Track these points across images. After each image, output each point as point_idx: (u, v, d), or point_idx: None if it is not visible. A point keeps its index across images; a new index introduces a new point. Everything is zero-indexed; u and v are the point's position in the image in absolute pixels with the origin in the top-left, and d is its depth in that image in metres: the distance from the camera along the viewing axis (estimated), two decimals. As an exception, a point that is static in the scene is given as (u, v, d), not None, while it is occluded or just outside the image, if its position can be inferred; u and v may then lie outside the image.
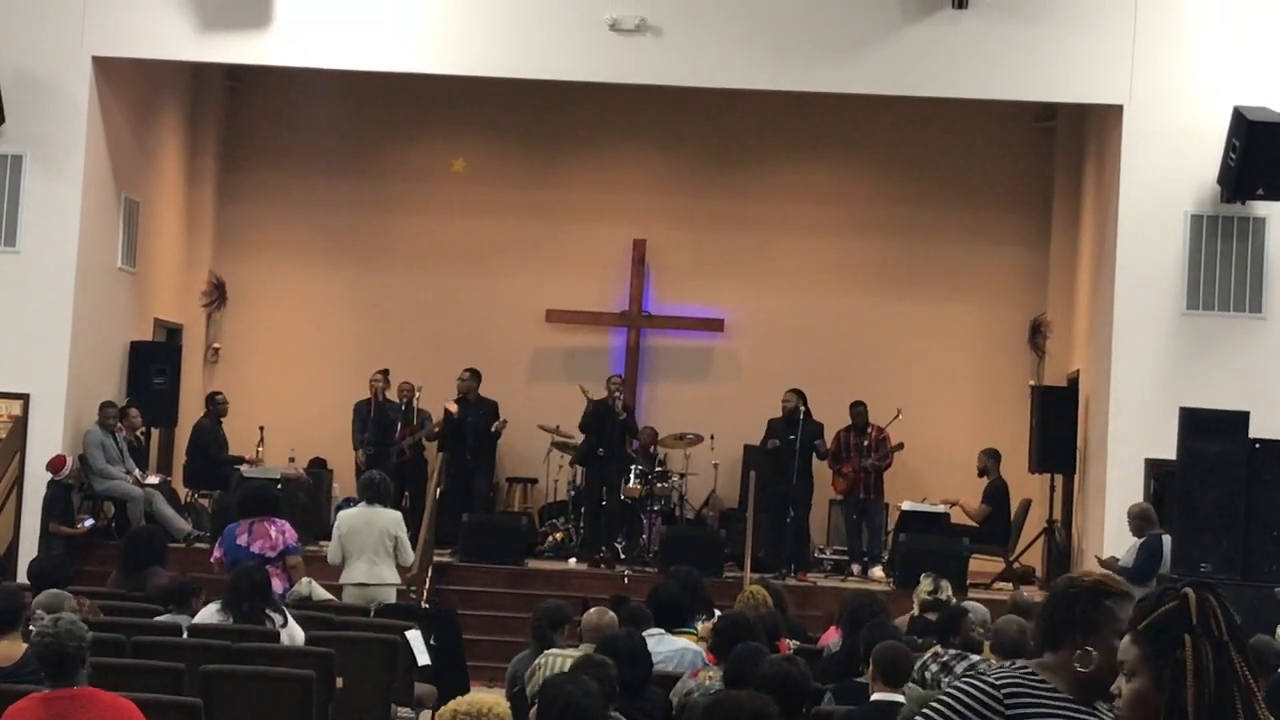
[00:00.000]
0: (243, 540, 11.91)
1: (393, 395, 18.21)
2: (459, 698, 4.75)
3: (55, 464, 15.82)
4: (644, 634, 9.38)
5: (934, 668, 9.08)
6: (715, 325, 19.48)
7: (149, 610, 10.62)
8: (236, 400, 18.36)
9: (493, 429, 18.03)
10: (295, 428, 18.71)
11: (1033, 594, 15.11)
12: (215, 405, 18.08)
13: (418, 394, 18.16)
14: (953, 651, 9.20)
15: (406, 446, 17.94)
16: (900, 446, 17.65)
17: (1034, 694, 4.06)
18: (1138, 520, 14.13)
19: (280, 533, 12.02)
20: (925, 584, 11.24)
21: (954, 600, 10.90)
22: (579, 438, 17.83)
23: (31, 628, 8.05)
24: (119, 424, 16.62)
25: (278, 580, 11.54)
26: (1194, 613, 3.56)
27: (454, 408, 17.93)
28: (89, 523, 16.00)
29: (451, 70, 16.78)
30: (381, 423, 17.81)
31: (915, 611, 11.31)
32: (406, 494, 17.24)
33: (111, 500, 16.49)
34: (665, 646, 9.41)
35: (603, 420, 17.33)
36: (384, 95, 19.60)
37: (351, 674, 10.05)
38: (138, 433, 17.29)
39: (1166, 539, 13.88)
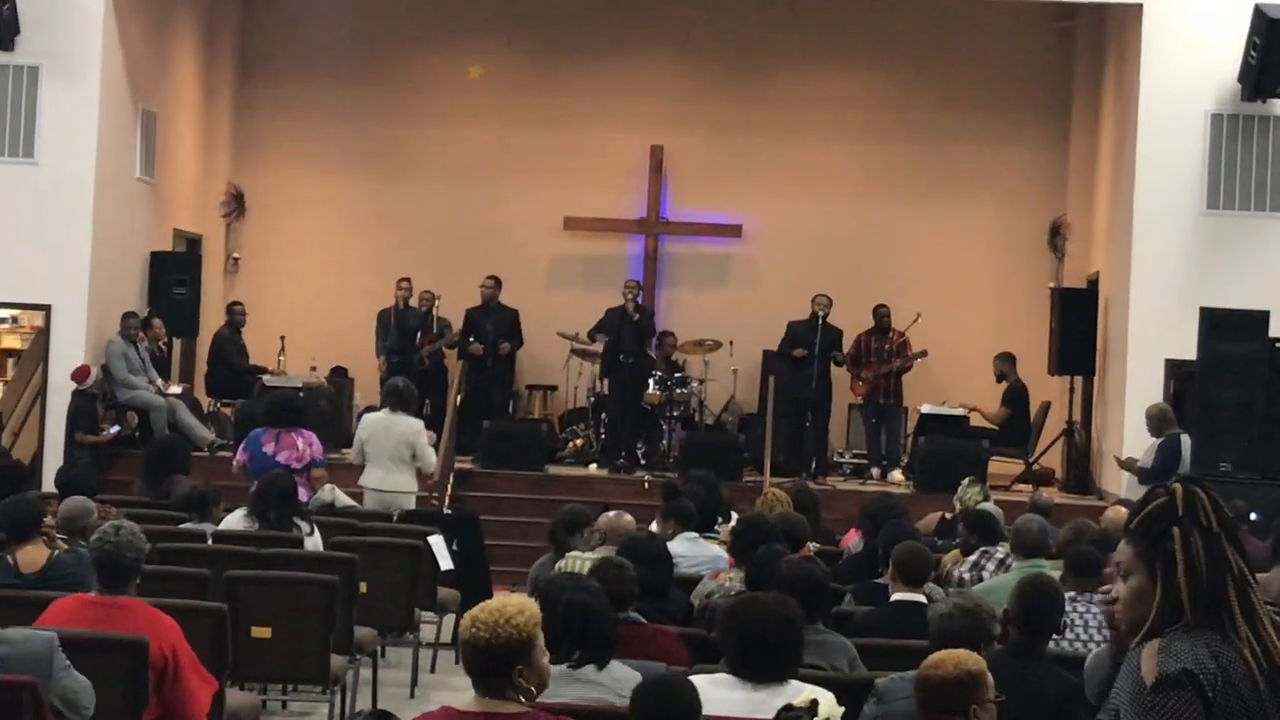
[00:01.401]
0: (269, 449, 11.98)
1: (414, 304, 18.22)
2: (482, 603, 4.72)
3: (79, 374, 15.89)
4: (679, 537, 9.46)
5: (990, 566, 9.17)
6: (733, 231, 19.44)
7: (173, 518, 10.69)
8: (257, 310, 18.41)
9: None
10: (316, 337, 18.76)
11: (1052, 495, 15.18)
12: (234, 315, 18.15)
13: (437, 302, 18.19)
14: (1003, 551, 9.29)
15: (426, 355, 17.96)
16: (924, 354, 17.63)
17: None
18: (1156, 420, 14.15)
19: (308, 445, 12.08)
20: (974, 492, 11.25)
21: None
22: (594, 343, 17.86)
23: (54, 535, 8.15)
24: (141, 334, 16.68)
25: (303, 490, 11.63)
26: (1180, 505, 3.61)
27: (478, 348, 17.93)
28: (114, 429, 16.09)
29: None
30: (403, 330, 17.84)
31: (955, 513, 11.34)
32: (427, 402, 17.28)
33: (135, 410, 16.55)
34: (699, 551, 9.45)
35: (621, 324, 17.34)
36: (399, 4, 19.52)
37: (375, 579, 10.15)
38: (160, 343, 17.35)
39: (1185, 439, 13.90)
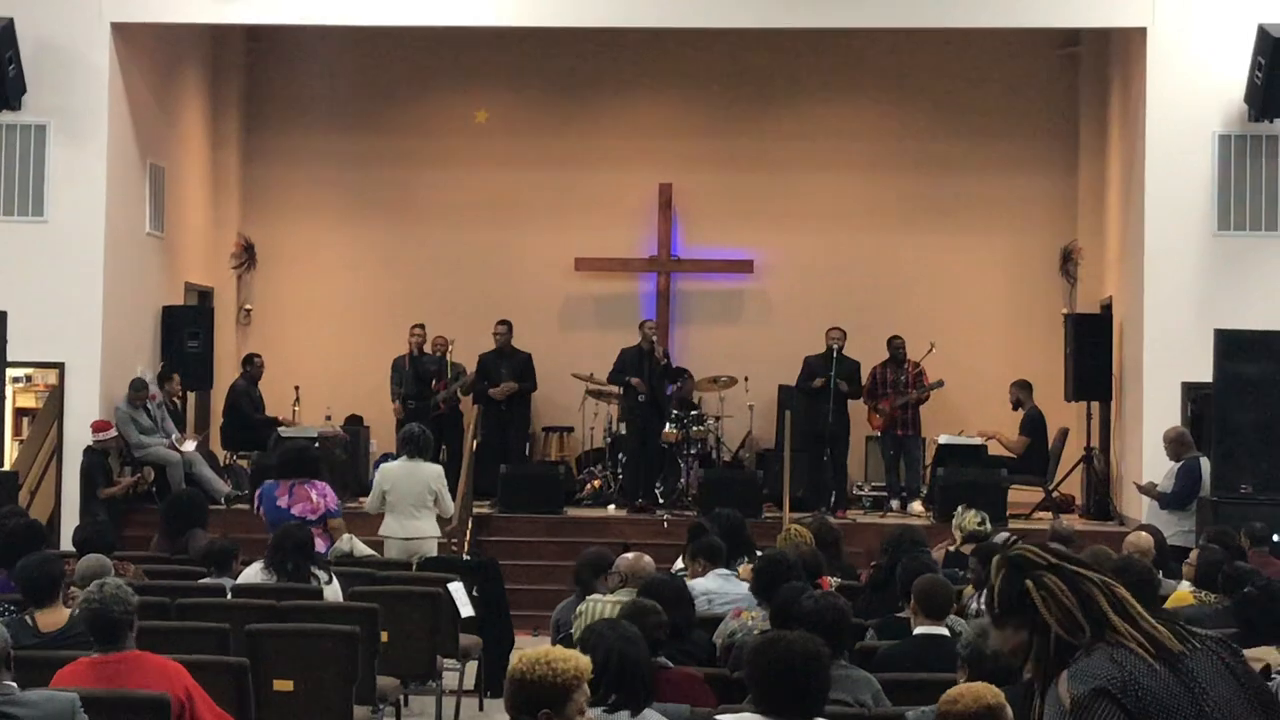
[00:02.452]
0: (283, 502, 11.94)
1: (428, 349, 18.19)
2: (536, 649, 4.79)
3: (100, 426, 15.90)
4: (712, 573, 9.41)
5: None
6: (745, 266, 19.43)
7: (192, 573, 10.66)
8: (270, 361, 18.40)
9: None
10: (330, 386, 18.77)
11: (1072, 522, 15.12)
12: (252, 367, 18.15)
13: (451, 347, 18.18)
14: None
15: (441, 400, 17.94)
16: (940, 384, 17.60)
17: None
18: (1174, 444, 14.08)
19: (321, 496, 12.03)
20: (971, 516, 11.19)
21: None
22: (612, 385, 17.82)
23: (74, 593, 8.12)
24: (154, 393, 16.67)
25: (319, 541, 11.60)
26: (1013, 570, 3.99)
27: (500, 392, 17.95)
28: (134, 476, 16.14)
29: (469, 22, 16.72)
30: (419, 376, 17.82)
31: (957, 544, 11.30)
32: (444, 447, 17.27)
33: (150, 465, 16.55)
34: (732, 588, 9.37)
35: (639, 366, 17.30)
36: (404, 50, 19.58)
37: (396, 628, 10.11)
38: (174, 397, 17.37)
39: (1204, 461, 13.84)
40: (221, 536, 11.64)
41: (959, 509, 11.48)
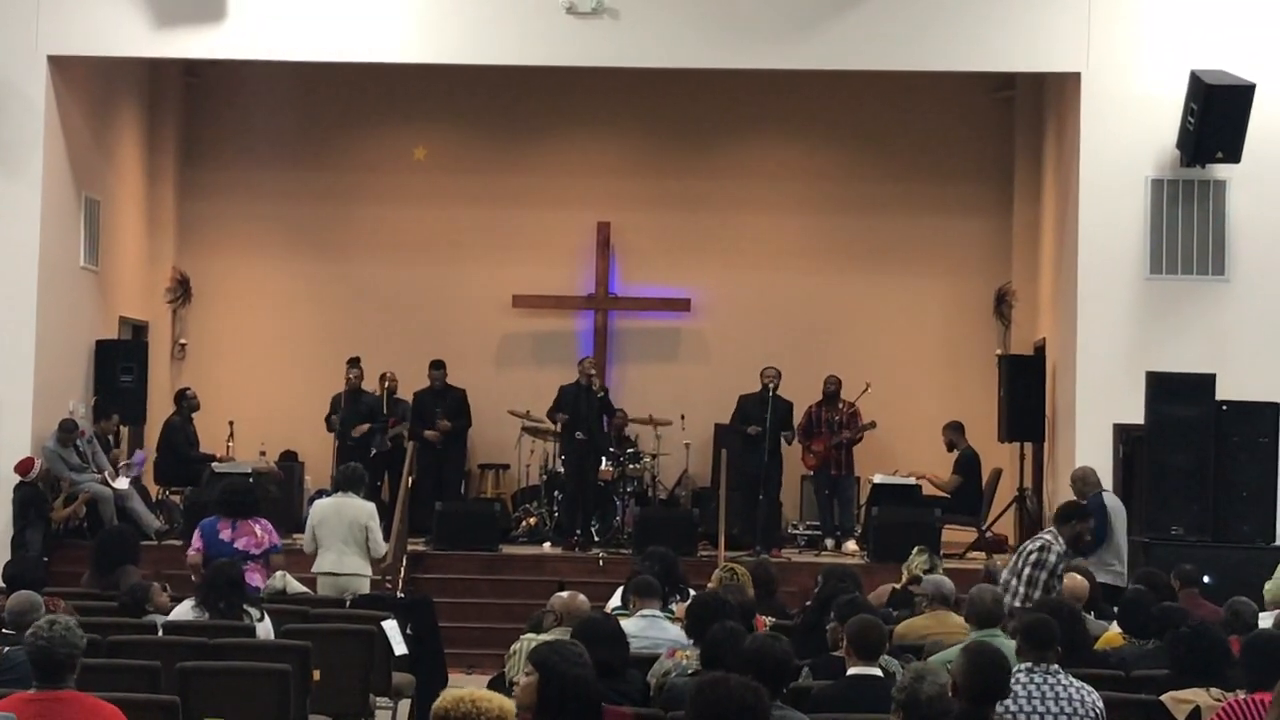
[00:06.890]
0: (225, 535, 11.82)
1: (372, 385, 18.09)
2: (460, 690, 4.77)
3: (23, 466, 15.78)
4: (639, 614, 9.37)
5: None
6: (682, 305, 19.48)
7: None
8: (204, 395, 18.29)
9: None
10: (265, 421, 18.68)
11: (1005, 562, 15.17)
12: (186, 401, 18.03)
13: (396, 384, 18.15)
14: None
15: (389, 438, 17.87)
16: (873, 425, 17.68)
17: None
18: (1079, 484, 14.02)
19: (266, 532, 11.95)
20: (921, 560, 11.36)
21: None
22: (549, 422, 17.79)
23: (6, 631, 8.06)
24: (85, 428, 16.53)
25: (259, 575, 11.56)
26: None
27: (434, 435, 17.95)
28: (80, 497, 16.06)
29: (409, 59, 16.75)
30: (356, 413, 17.69)
31: (903, 583, 11.40)
32: (381, 484, 17.23)
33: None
34: (660, 633, 9.29)
35: (577, 402, 17.29)
36: (342, 86, 19.56)
37: (328, 666, 10.05)
38: (108, 435, 17.26)
39: (1109, 496, 13.88)
40: (153, 574, 11.55)
41: (914, 550, 11.66)
